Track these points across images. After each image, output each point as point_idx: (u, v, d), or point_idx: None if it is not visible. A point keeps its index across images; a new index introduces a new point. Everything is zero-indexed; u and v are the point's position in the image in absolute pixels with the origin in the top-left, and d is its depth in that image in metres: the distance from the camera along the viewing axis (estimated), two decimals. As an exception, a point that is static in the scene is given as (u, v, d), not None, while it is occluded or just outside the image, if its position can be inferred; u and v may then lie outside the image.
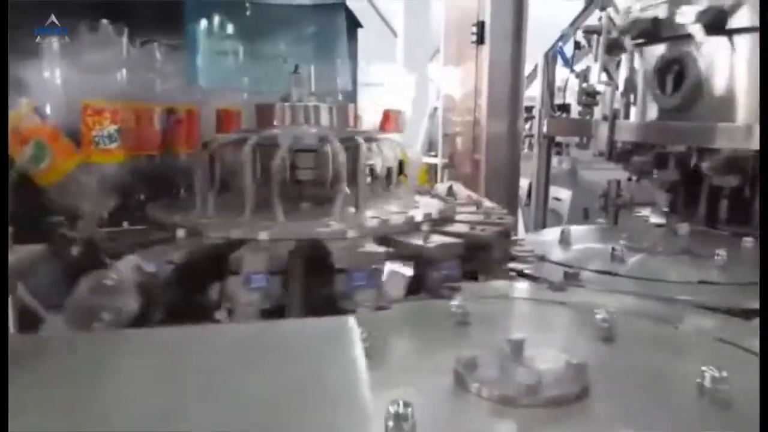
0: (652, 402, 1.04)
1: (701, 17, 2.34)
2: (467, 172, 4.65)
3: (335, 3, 2.25)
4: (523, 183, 5.69)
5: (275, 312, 1.48)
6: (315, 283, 1.54)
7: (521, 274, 1.85)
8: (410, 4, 10.17)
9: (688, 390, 1.02)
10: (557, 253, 2.13)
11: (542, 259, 2.03)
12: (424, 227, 1.77)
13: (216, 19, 2.04)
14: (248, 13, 2.07)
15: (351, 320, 1.05)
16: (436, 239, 1.72)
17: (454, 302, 1.33)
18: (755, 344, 1.22)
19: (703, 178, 2.56)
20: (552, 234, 2.45)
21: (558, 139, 4.24)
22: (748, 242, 2.15)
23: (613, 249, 2.01)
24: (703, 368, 1.01)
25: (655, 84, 2.62)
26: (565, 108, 3.86)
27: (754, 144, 2.30)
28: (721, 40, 2.41)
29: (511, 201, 4.08)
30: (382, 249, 1.59)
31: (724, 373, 0.99)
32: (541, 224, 3.34)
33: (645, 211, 2.91)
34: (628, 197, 2.92)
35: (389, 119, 2.23)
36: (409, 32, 9.96)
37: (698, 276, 1.84)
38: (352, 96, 2.58)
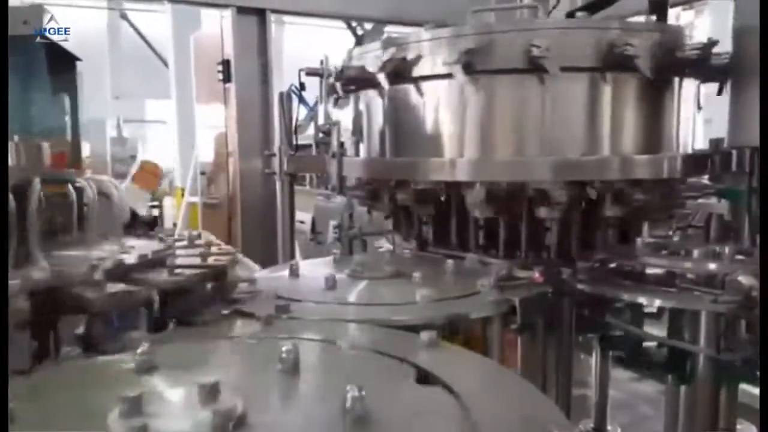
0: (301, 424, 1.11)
1: (385, 67, 2.58)
2: (225, 209, 4.60)
3: (32, 34, 2.08)
4: (306, 217, 5.83)
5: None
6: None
7: (236, 312, 1.86)
8: (178, 36, 9.73)
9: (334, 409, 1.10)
10: (283, 287, 2.17)
11: (263, 293, 2.06)
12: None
13: None
14: None
15: None
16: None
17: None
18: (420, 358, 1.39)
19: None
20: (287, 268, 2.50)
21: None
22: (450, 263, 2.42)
23: (333, 278, 2.12)
24: (348, 387, 1.10)
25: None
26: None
27: (458, 176, 2.63)
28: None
29: (267, 235, 4.13)
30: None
31: (363, 392, 1.09)
32: (289, 257, 3.42)
33: (382, 241, 3.15)
34: (359, 228, 3.13)
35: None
36: (179, 66, 9.51)
37: (401, 297, 2.01)
38: (67, 132, 2.39)
